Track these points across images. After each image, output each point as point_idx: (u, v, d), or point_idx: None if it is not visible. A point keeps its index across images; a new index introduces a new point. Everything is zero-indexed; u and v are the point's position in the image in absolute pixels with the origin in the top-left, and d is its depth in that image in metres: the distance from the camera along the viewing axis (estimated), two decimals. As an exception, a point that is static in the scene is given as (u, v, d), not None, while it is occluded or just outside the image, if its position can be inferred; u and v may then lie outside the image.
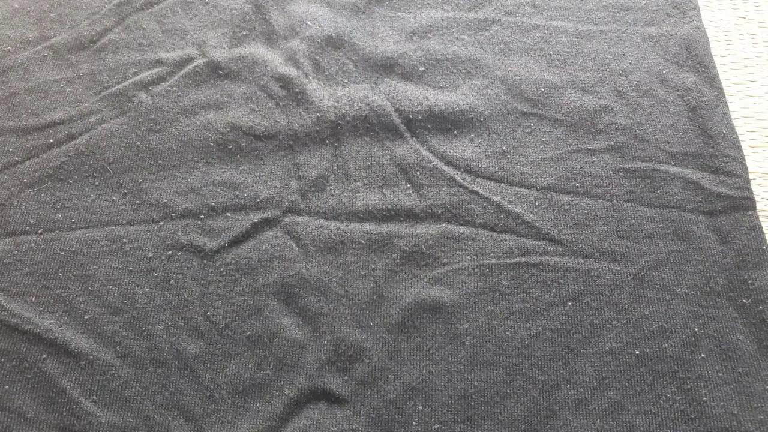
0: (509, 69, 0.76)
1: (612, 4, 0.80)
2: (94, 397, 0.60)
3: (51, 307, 0.64)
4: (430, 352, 0.61)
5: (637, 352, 0.60)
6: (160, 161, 0.72)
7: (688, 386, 0.58)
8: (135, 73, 0.78)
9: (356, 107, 0.73)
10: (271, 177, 0.70)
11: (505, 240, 0.66)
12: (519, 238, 0.66)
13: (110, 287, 0.65)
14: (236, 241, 0.67)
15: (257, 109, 0.74)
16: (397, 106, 0.74)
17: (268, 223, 0.68)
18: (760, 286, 0.62)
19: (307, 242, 0.66)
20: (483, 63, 0.76)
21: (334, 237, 0.66)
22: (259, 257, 0.66)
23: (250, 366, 0.61)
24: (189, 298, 0.64)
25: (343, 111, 0.73)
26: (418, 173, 0.70)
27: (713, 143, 0.69)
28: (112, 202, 0.70)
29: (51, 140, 0.73)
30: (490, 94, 0.74)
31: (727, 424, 0.56)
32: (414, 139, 0.72)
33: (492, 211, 0.67)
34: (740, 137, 0.71)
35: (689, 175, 0.68)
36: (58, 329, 0.63)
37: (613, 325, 0.61)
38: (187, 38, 0.80)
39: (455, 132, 0.72)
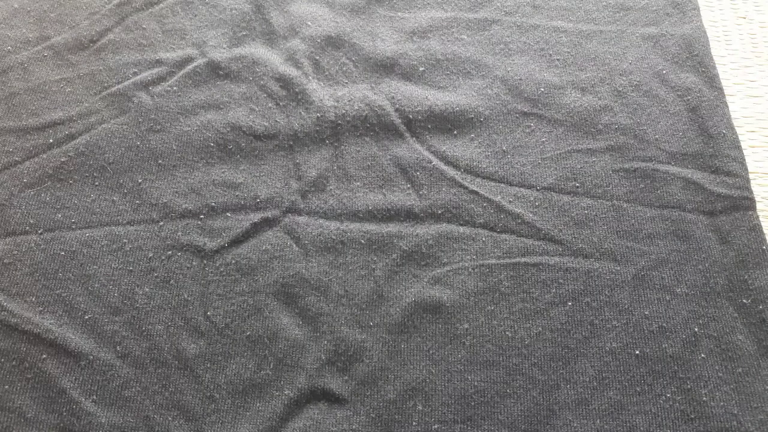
0: (509, 69, 0.76)
1: (612, 4, 0.80)
2: (94, 397, 0.60)
3: (51, 307, 0.64)
4: (430, 352, 0.61)
5: (637, 352, 0.60)
6: (160, 161, 0.72)
7: (688, 386, 0.58)
8: (135, 73, 0.78)
9: (356, 107, 0.73)
10: (271, 177, 0.70)
11: (505, 240, 0.66)
12: (519, 238, 0.66)
13: (110, 287, 0.65)
14: (236, 241, 0.67)
15: (257, 109, 0.74)
16: (397, 106, 0.74)
17: (268, 223, 0.68)
18: (760, 286, 0.62)
19: (307, 242, 0.66)
20: (483, 63, 0.76)
21: (334, 237, 0.66)
22: (259, 257, 0.66)
23: (250, 366, 0.61)
24: (189, 298, 0.64)
25: (343, 111, 0.73)
26: (418, 173, 0.70)
27: (713, 143, 0.69)
28: (112, 202, 0.70)
29: (51, 140, 0.73)
30: (490, 94, 0.74)
31: (727, 424, 0.56)
32: (414, 139, 0.72)
33: (492, 211, 0.67)
34: (740, 137, 0.71)
35: (689, 175, 0.68)
36: (58, 329, 0.63)
37: (613, 325, 0.61)
38: (187, 38, 0.80)
39: (455, 132, 0.72)
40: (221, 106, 0.75)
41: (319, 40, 0.79)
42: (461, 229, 0.66)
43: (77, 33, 0.81)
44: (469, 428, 0.58)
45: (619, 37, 0.77)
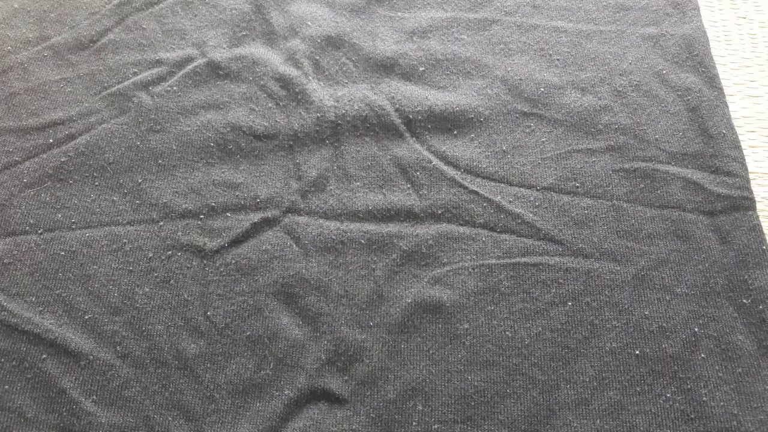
0: (509, 69, 0.76)
1: (612, 4, 0.80)
2: (94, 397, 0.60)
3: (51, 307, 0.64)
4: (430, 352, 0.61)
5: (637, 352, 0.60)
6: (160, 161, 0.72)
7: (688, 386, 0.58)
8: (135, 73, 0.78)
9: (356, 107, 0.73)
10: (271, 177, 0.70)
11: (505, 240, 0.66)
12: (519, 238, 0.66)
13: (110, 287, 0.65)
14: (236, 241, 0.67)
15: (257, 109, 0.74)
16: (397, 106, 0.74)
17: (268, 223, 0.68)
18: (760, 286, 0.62)
19: (307, 242, 0.66)
20: (483, 63, 0.76)
21: (334, 237, 0.66)
22: (259, 257, 0.66)
23: (250, 366, 0.61)
24: (189, 298, 0.64)
25: (343, 111, 0.73)
26: (418, 173, 0.70)
27: (713, 143, 0.69)
28: (112, 202, 0.70)
29: (51, 140, 0.73)
30: (490, 94, 0.74)
31: (727, 424, 0.56)
32: (414, 139, 0.72)
33: (492, 211, 0.67)
34: (740, 137, 0.71)
35: (689, 175, 0.68)
36: (58, 329, 0.63)
37: (613, 325, 0.61)
38: (187, 38, 0.80)
39: (455, 132, 0.72)
40: (221, 106, 0.75)
41: (319, 40, 0.79)
42: (461, 229, 0.66)
43: (77, 33, 0.81)
44: (469, 428, 0.58)
45: (619, 37, 0.77)
